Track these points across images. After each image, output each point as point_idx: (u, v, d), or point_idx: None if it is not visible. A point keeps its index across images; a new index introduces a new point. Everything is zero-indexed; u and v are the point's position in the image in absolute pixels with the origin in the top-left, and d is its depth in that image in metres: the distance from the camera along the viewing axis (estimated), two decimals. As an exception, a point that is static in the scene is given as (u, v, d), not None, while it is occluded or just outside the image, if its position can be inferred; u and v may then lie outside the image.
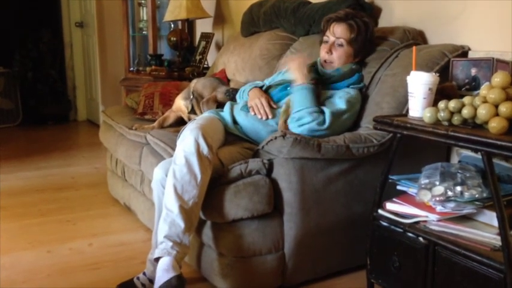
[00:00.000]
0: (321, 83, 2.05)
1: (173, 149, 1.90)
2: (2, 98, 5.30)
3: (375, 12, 2.50)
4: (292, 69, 2.02)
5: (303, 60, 2.04)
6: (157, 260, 1.73)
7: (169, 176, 1.78)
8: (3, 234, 2.48)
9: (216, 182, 1.83)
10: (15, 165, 3.79)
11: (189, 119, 2.42)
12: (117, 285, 1.90)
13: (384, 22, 2.49)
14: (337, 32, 2.11)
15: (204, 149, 1.77)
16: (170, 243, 1.72)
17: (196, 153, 1.76)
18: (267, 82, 2.31)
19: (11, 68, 5.39)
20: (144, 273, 1.92)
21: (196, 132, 1.79)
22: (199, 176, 1.75)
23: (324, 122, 1.88)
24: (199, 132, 1.79)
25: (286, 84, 2.11)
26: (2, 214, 2.75)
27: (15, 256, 2.25)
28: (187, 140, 1.78)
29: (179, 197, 1.74)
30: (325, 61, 2.14)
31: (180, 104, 2.54)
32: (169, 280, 1.66)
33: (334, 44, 2.11)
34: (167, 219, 1.75)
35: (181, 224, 1.73)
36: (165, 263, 1.71)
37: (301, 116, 1.88)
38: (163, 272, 1.69)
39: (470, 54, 2.05)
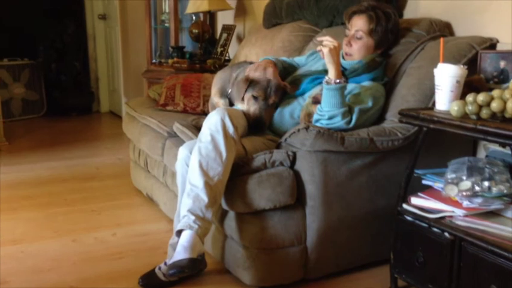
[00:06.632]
0: (345, 76, 2.03)
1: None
2: (27, 89, 5.39)
3: (400, 3, 2.46)
4: (330, 62, 1.88)
5: (339, 50, 1.93)
6: (179, 233, 1.76)
7: (194, 154, 1.81)
8: (30, 223, 2.54)
9: (239, 170, 1.84)
10: (40, 155, 3.86)
11: None
12: (140, 277, 1.92)
13: (409, 13, 2.45)
14: (356, 24, 2.09)
15: (230, 128, 1.80)
16: (193, 217, 1.76)
17: (222, 131, 1.78)
18: (296, 60, 2.34)
19: (35, 59, 5.47)
20: (165, 263, 1.93)
21: (222, 112, 1.82)
22: (224, 154, 1.77)
23: (350, 121, 1.86)
24: (225, 113, 1.82)
25: (314, 76, 2.08)
26: (28, 203, 2.81)
27: (42, 244, 2.30)
28: (213, 119, 1.81)
29: (204, 172, 1.76)
30: (346, 53, 2.12)
31: (219, 103, 2.33)
32: (181, 260, 1.71)
33: (353, 37, 2.09)
34: (191, 194, 1.78)
35: (205, 198, 1.76)
36: (186, 237, 1.75)
37: (334, 115, 1.84)
38: (182, 248, 1.74)
39: (499, 47, 2.00)
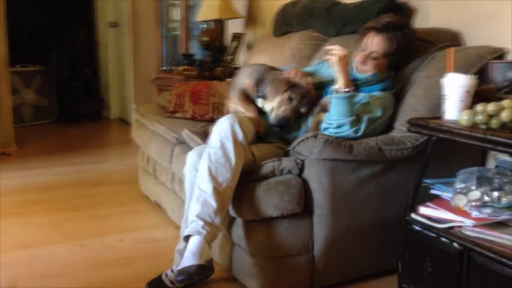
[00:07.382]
0: (356, 86, 2.02)
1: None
2: (38, 95, 5.45)
3: (410, 13, 2.47)
4: (339, 71, 1.89)
5: (348, 58, 1.95)
6: (187, 238, 1.77)
7: (203, 159, 1.82)
8: (38, 228, 2.55)
9: (247, 177, 1.85)
10: (50, 160, 3.90)
11: None
12: (147, 283, 1.92)
13: (419, 23, 2.45)
14: (374, 44, 2.04)
15: (239, 134, 1.81)
16: (201, 223, 1.76)
17: (231, 137, 1.80)
18: (307, 69, 2.34)
19: (47, 65, 5.53)
20: (172, 270, 1.94)
21: (232, 119, 1.84)
22: (233, 160, 1.78)
23: (359, 129, 1.85)
24: (234, 119, 1.84)
25: (323, 85, 2.09)
26: (37, 208, 2.83)
27: (50, 249, 2.31)
28: (223, 125, 1.83)
29: (213, 178, 1.77)
30: (360, 69, 2.10)
31: (248, 85, 2.24)
32: (190, 266, 1.71)
33: (369, 56, 2.06)
34: (199, 199, 1.78)
35: (213, 204, 1.76)
36: (194, 243, 1.75)
37: (342, 124, 1.83)
38: (190, 253, 1.74)
39: (510, 57, 1.99)
